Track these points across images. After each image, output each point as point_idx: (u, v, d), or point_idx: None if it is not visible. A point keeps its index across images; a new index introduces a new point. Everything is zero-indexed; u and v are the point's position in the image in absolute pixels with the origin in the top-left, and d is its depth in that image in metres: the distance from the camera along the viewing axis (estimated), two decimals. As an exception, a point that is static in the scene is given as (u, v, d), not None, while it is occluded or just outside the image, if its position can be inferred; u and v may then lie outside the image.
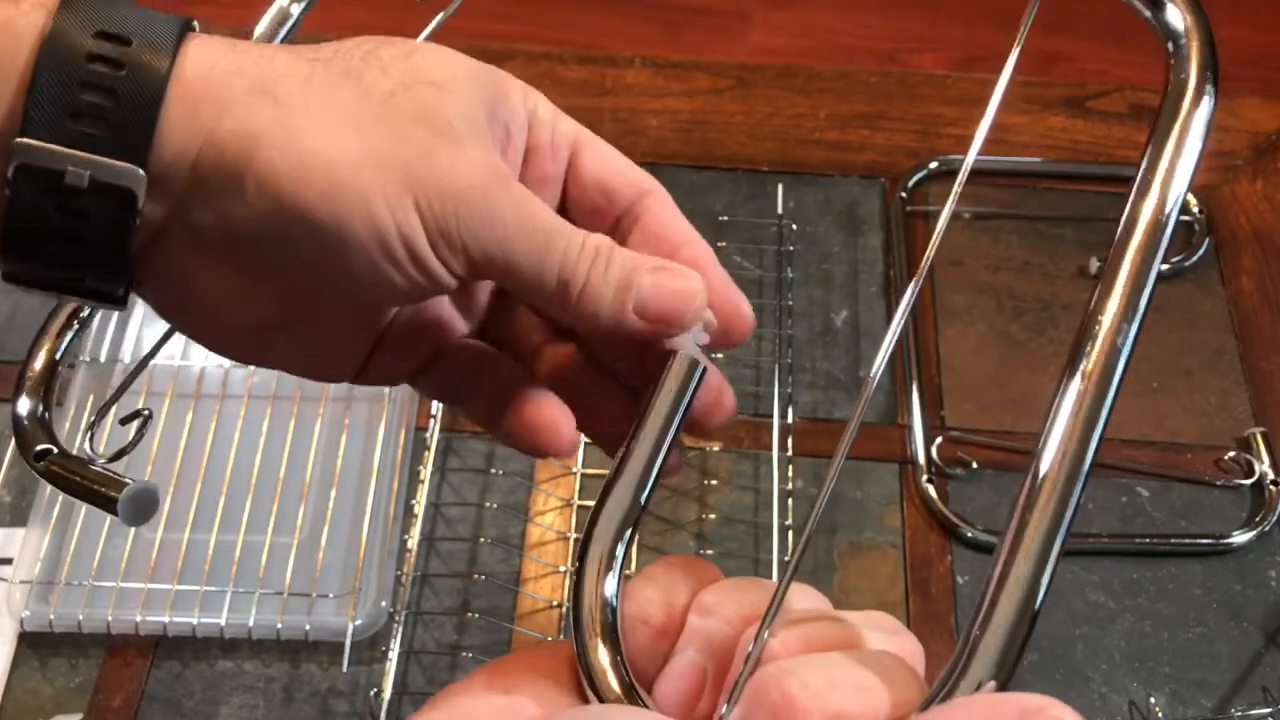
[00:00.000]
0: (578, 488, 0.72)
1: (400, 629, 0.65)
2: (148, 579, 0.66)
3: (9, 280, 0.29)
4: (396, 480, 0.70)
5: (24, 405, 0.36)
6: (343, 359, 0.33)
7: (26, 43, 0.27)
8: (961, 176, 0.32)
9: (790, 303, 0.79)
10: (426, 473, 0.70)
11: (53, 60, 0.27)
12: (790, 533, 0.69)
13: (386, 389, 0.73)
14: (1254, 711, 0.64)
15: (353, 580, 0.66)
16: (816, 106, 0.90)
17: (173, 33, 0.28)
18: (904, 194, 0.84)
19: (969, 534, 0.70)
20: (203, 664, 0.65)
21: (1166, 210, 0.29)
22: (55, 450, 0.35)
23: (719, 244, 0.80)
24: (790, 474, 0.71)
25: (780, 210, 0.84)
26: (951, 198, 0.32)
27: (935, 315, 0.80)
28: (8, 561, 0.67)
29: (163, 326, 0.79)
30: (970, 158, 0.32)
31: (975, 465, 0.73)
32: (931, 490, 0.72)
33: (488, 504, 0.71)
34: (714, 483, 0.72)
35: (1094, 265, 0.81)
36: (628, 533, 0.29)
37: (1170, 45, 0.31)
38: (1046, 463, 0.27)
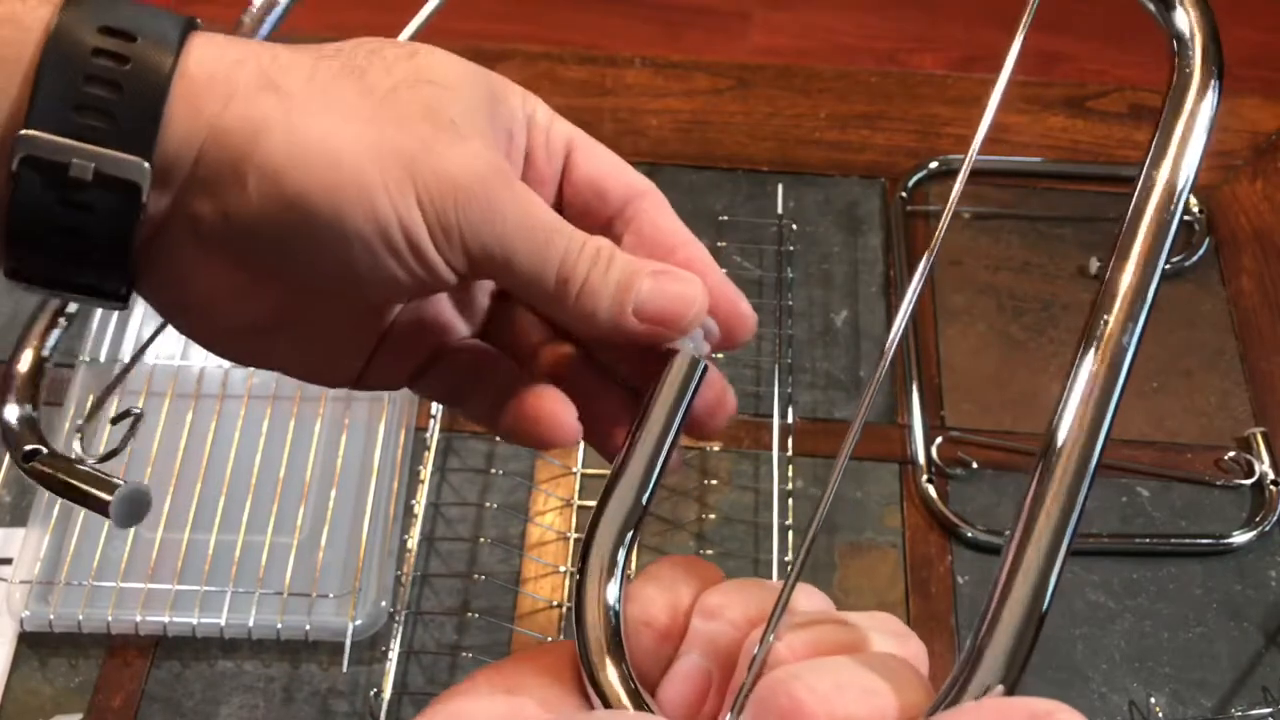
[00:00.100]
0: (578, 488, 0.72)
1: (400, 629, 0.65)
2: (148, 579, 0.66)
3: (11, 277, 0.29)
4: (396, 480, 0.70)
5: (11, 404, 0.36)
6: (343, 362, 0.33)
7: (32, 37, 0.27)
8: (962, 176, 0.32)
9: (790, 303, 0.79)
10: (426, 473, 0.70)
11: (58, 54, 0.27)
12: (790, 533, 0.69)
13: (386, 389, 0.73)
14: (1254, 711, 0.64)
15: (353, 580, 0.66)
16: (816, 106, 0.90)
17: (177, 29, 0.28)
18: (904, 194, 0.84)
19: (969, 534, 0.70)
20: (203, 664, 0.65)
21: (1173, 204, 0.29)
22: (44, 450, 0.35)
23: (719, 244, 0.80)
24: (790, 474, 0.71)
25: (780, 210, 0.84)
26: (952, 198, 0.32)
27: (935, 315, 0.80)
28: (8, 561, 0.67)
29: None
30: (970, 157, 0.32)
31: (975, 465, 0.73)
32: (931, 490, 0.72)
33: (488, 504, 0.71)
34: (714, 483, 0.72)
35: (1094, 265, 0.81)
36: (629, 535, 0.29)
37: (1175, 41, 0.31)
38: (1051, 465, 0.27)
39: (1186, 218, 0.83)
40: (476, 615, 0.67)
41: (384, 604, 0.66)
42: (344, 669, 0.64)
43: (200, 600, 0.65)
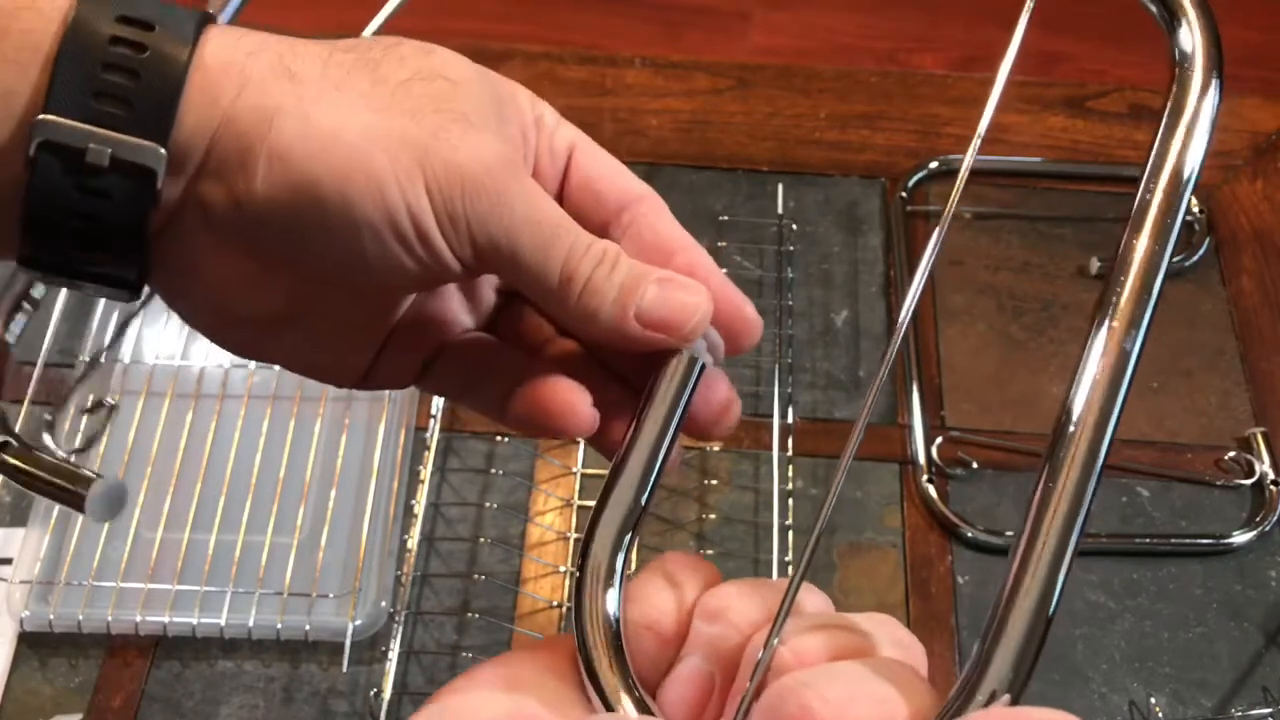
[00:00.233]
0: (578, 488, 0.72)
1: (400, 629, 0.65)
2: (148, 579, 0.66)
3: (24, 264, 0.29)
4: (396, 480, 0.70)
5: None
6: (350, 357, 0.33)
7: (51, 25, 0.27)
8: (962, 176, 0.32)
9: (790, 303, 0.79)
10: (426, 473, 0.70)
11: (76, 42, 0.27)
12: (790, 533, 0.69)
13: (386, 389, 0.73)
14: (1254, 711, 0.64)
15: (353, 580, 0.66)
16: (816, 106, 0.90)
17: (193, 21, 0.28)
18: (904, 194, 0.84)
19: (969, 534, 0.70)
20: (202, 664, 0.65)
21: (1175, 205, 0.29)
22: (14, 442, 0.34)
23: (719, 244, 0.80)
24: (790, 474, 0.71)
25: (780, 210, 0.84)
26: (952, 199, 0.32)
27: (935, 315, 0.80)
28: (7, 561, 0.67)
29: (163, 327, 0.79)
30: (969, 157, 0.32)
31: (975, 465, 0.73)
32: (931, 490, 0.72)
33: (488, 504, 0.71)
34: (714, 483, 0.72)
35: (1094, 265, 0.81)
36: (629, 535, 0.29)
37: (1175, 46, 0.31)
38: (1057, 469, 0.26)
39: (1187, 218, 0.83)
40: (476, 615, 0.67)
41: (384, 604, 0.66)
42: (344, 669, 0.64)
43: (200, 600, 0.65)
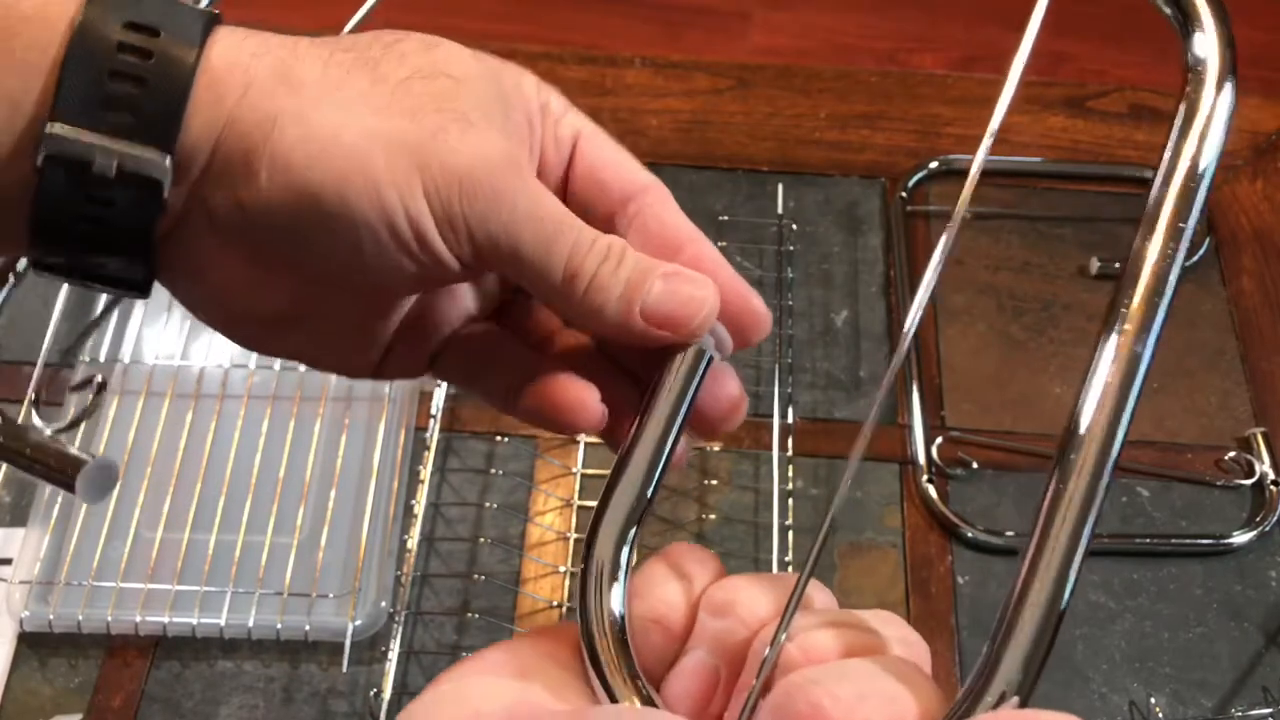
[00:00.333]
0: (578, 488, 0.72)
1: (400, 629, 0.65)
2: (147, 579, 0.66)
3: (36, 268, 0.29)
4: (396, 480, 0.70)
5: None
6: (359, 353, 0.33)
7: (57, 32, 0.27)
8: (973, 176, 0.32)
9: (790, 303, 0.79)
10: (426, 473, 0.70)
11: (83, 49, 0.27)
12: (790, 533, 0.69)
13: (386, 388, 0.73)
14: (1254, 712, 0.64)
15: (352, 580, 0.66)
16: (816, 106, 0.90)
17: (200, 24, 0.28)
18: (904, 194, 0.84)
19: (969, 534, 0.70)
20: (202, 664, 0.65)
21: (1190, 205, 0.29)
22: (1, 420, 0.34)
23: (719, 244, 0.79)
24: (790, 474, 0.71)
25: (780, 210, 0.83)
26: (963, 199, 0.32)
27: (935, 315, 0.80)
28: (7, 562, 0.67)
29: (163, 327, 0.79)
30: (979, 158, 0.32)
31: (975, 465, 0.73)
32: (932, 490, 0.72)
33: (488, 504, 0.71)
34: (714, 483, 0.72)
35: (1094, 265, 0.81)
36: (633, 529, 0.29)
37: (1190, 40, 0.30)
38: (1068, 473, 0.26)
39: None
40: (476, 615, 0.67)
41: (384, 604, 0.66)
42: (344, 669, 0.64)
43: (200, 600, 0.65)
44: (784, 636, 0.27)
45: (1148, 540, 0.71)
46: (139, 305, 0.76)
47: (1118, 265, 0.80)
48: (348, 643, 0.64)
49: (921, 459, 0.73)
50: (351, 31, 0.40)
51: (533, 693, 0.27)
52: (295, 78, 0.28)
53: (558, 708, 0.27)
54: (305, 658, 0.65)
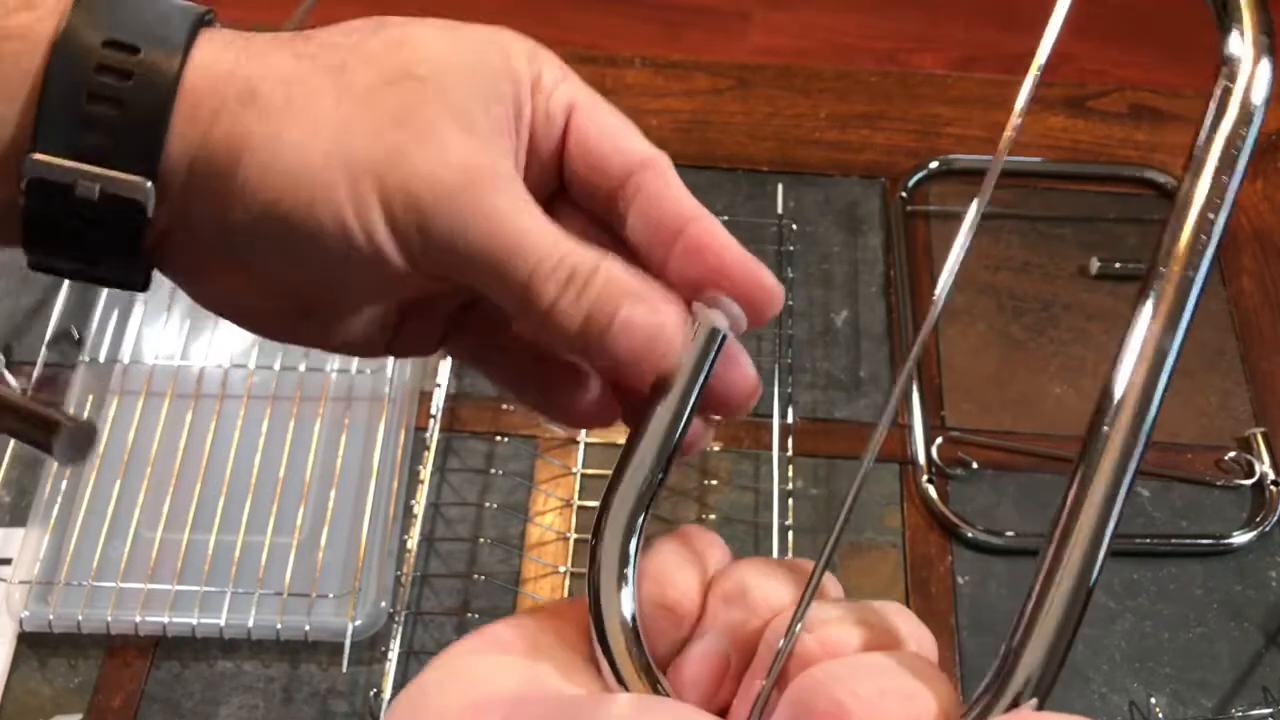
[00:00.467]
0: (578, 488, 0.72)
1: (400, 629, 0.65)
2: (147, 579, 0.66)
3: (35, 269, 0.30)
4: (396, 480, 0.70)
5: None
6: (367, 335, 0.33)
7: (37, 52, 0.27)
8: (992, 175, 0.31)
9: (790, 303, 0.79)
10: (426, 473, 0.70)
11: (63, 70, 0.27)
12: (791, 533, 0.69)
13: (386, 388, 0.73)
14: (1254, 712, 0.64)
15: (352, 580, 0.66)
16: (816, 106, 0.90)
17: (184, 33, 0.28)
18: (904, 194, 0.84)
19: (969, 534, 0.70)
20: (202, 664, 0.65)
21: (1216, 209, 0.28)
22: None
23: (719, 244, 0.80)
24: (790, 474, 0.71)
25: (780, 210, 0.83)
26: (980, 199, 0.31)
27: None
28: (7, 562, 0.67)
29: (162, 327, 0.79)
30: (999, 157, 0.31)
31: (975, 465, 0.73)
32: (932, 490, 0.72)
33: (487, 504, 0.71)
34: (714, 483, 0.72)
35: (1094, 265, 0.81)
36: (643, 513, 0.28)
37: (1227, 37, 0.30)
38: (1090, 478, 0.26)
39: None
40: (476, 616, 0.67)
41: (384, 604, 0.66)
42: (344, 669, 0.64)
43: (200, 601, 0.65)
44: (799, 626, 0.27)
45: (1148, 540, 0.71)
46: (139, 305, 0.76)
47: (1118, 265, 0.80)
48: (348, 643, 0.64)
49: (921, 459, 0.73)
50: (295, 27, 0.40)
51: (543, 673, 0.27)
52: (263, 97, 0.28)
53: (568, 690, 0.27)
54: (305, 658, 0.65)
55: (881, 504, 0.72)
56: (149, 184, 0.27)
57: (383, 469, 0.70)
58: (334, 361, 0.74)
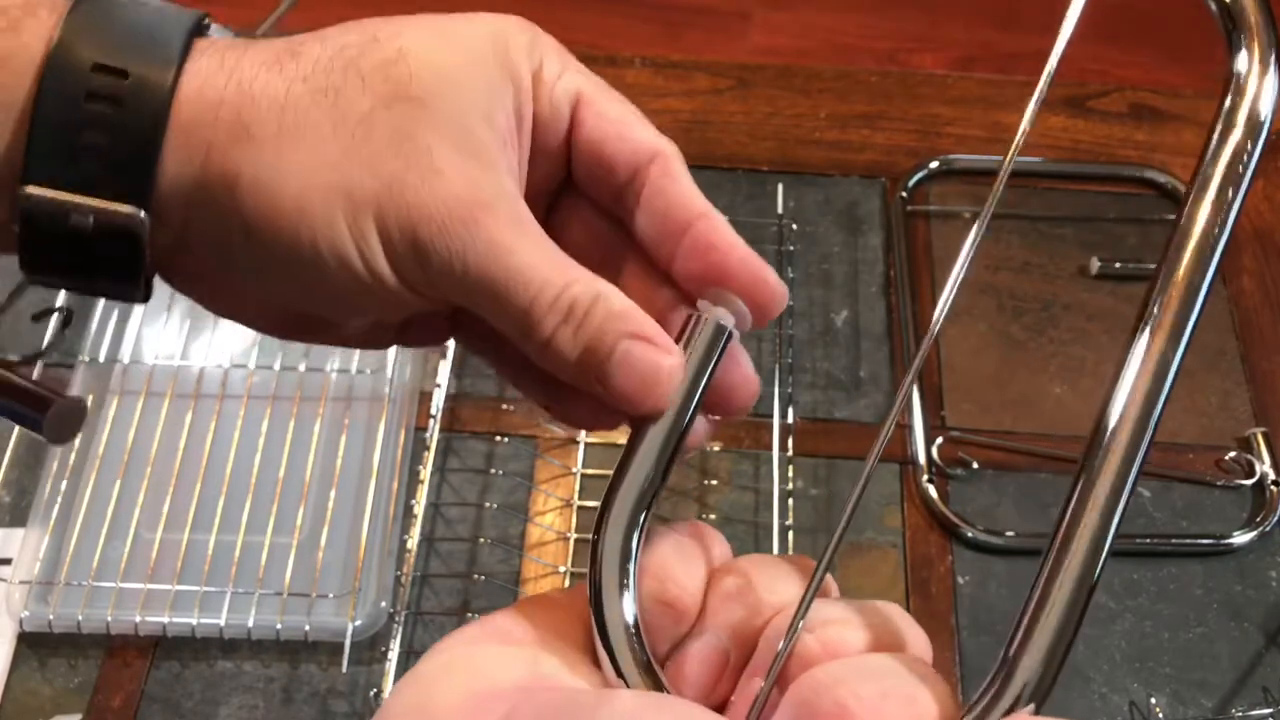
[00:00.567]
0: (578, 488, 0.72)
1: (400, 629, 0.65)
2: (147, 579, 0.66)
3: (33, 283, 0.30)
4: (396, 480, 0.70)
5: None
6: (374, 337, 0.34)
7: (27, 77, 0.27)
8: (1002, 178, 0.31)
9: (790, 303, 0.79)
10: (426, 473, 0.70)
11: (52, 100, 0.27)
12: (791, 533, 0.69)
13: (386, 388, 0.73)
14: (1254, 712, 0.64)
15: (352, 580, 0.66)
16: (816, 106, 0.90)
17: (175, 49, 0.28)
18: (904, 194, 0.84)
19: (969, 534, 0.70)
20: (202, 664, 0.65)
21: (1225, 211, 0.28)
22: None
23: (719, 244, 0.80)
24: (790, 474, 0.71)
25: (780, 210, 0.83)
26: (991, 200, 0.31)
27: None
28: (7, 562, 0.67)
29: (162, 327, 0.79)
30: (1009, 158, 0.31)
31: (975, 465, 0.73)
32: (932, 490, 0.72)
33: (487, 504, 0.71)
34: (714, 483, 0.72)
35: (1094, 265, 0.81)
36: (645, 510, 0.28)
37: (1235, 50, 0.30)
38: (1091, 488, 0.26)
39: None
40: (477, 616, 0.67)
41: (384, 604, 0.65)
42: (344, 669, 0.64)
43: (200, 601, 0.65)
44: (800, 625, 0.27)
45: (1148, 540, 0.71)
46: (139, 305, 0.76)
47: (1118, 265, 0.80)
48: (347, 643, 0.64)
49: (922, 459, 0.73)
50: (266, 33, 0.40)
51: (544, 664, 0.27)
52: (254, 126, 0.28)
53: (570, 683, 0.27)
54: (305, 658, 0.65)
55: (881, 504, 0.72)
56: (142, 214, 0.27)
57: (383, 469, 0.70)
58: (334, 361, 0.74)
